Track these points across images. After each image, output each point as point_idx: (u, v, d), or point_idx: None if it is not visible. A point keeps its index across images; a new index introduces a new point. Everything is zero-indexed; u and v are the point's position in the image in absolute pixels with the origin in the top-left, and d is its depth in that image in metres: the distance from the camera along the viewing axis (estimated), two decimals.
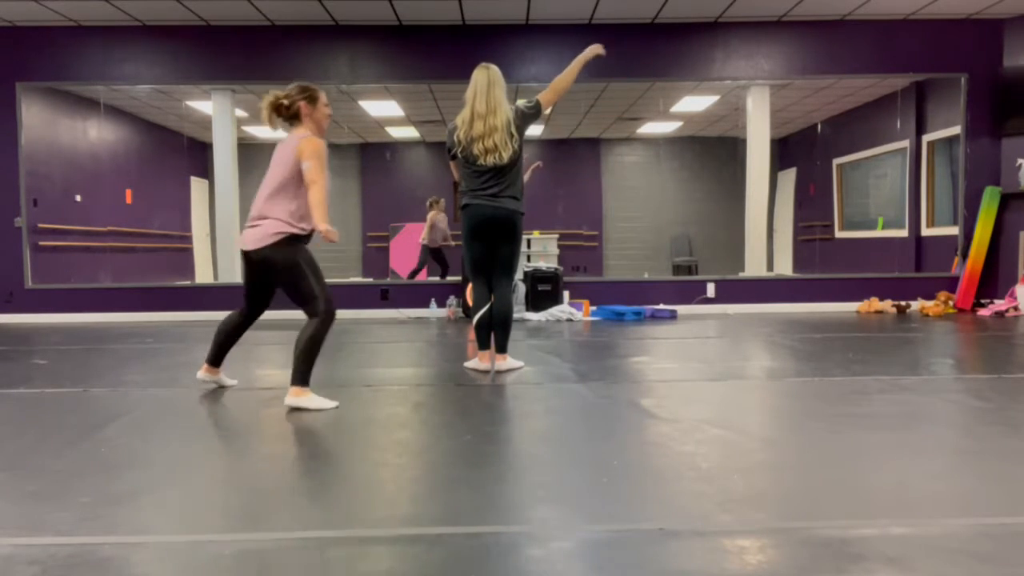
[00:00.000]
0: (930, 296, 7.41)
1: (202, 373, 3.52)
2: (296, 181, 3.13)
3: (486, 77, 3.75)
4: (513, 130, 3.74)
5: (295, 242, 3.14)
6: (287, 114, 3.23)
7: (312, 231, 3.20)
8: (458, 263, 7.61)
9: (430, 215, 9.02)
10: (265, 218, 3.13)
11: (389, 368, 4.28)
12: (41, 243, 7.45)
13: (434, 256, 8.93)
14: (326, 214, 3.09)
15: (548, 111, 3.89)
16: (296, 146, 3.12)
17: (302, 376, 3.12)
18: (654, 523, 1.76)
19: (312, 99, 3.27)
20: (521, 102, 3.85)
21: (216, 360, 3.52)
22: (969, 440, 2.53)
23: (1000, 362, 4.13)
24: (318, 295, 3.14)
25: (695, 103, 9.04)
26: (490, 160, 3.72)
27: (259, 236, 3.12)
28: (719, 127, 10.15)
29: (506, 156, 3.72)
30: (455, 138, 3.80)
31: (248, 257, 3.19)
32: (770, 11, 7.11)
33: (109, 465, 2.31)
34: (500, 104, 3.73)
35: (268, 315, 8.32)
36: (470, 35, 7.35)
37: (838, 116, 9.35)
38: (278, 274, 3.17)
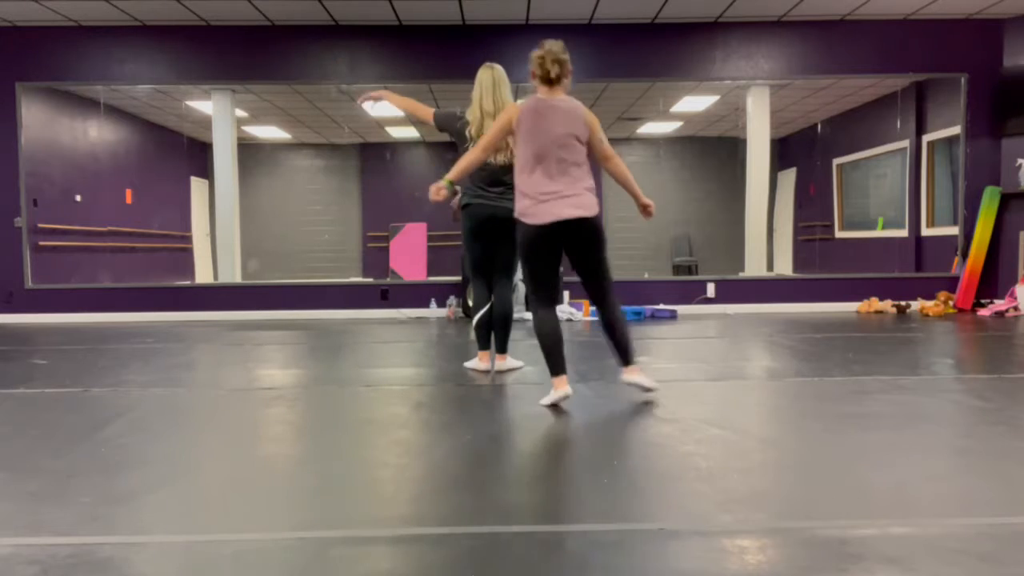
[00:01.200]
0: (930, 296, 7.41)
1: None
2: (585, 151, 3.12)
3: (491, 77, 3.78)
4: None
5: None
6: (557, 73, 3.05)
7: None
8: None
9: None
10: (580, 184, 3.07)
11: (389, 368, 4.27)
12: (41, 243, 7.45)
13: None
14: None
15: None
16: (585, 117, 3.09)
17: (634, 352, 3.17)
18: (654, 523, 1.76)
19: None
20: None
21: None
22: (969, 440, 2.53)
23: (1000, 362, 4.13)
24: None
25: (695, 103, 9.04)
26: (501, 159, 3.74)
27: (591, 203, 3.06)
28: (719, 127, 10.14)
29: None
30: (467, 133, 3.81)
31: (570, 225, 3.02)
32: (770, 11, 7.11)
33: (109, 465, 2.31)
34: (507, 103, 3.75)
35: (269, 315, 8.25)
36: (470, 35, 7.35)
37: (838, 116, 9.34)
38: (599, 243, 3.12)
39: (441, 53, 7.36)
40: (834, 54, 7.40)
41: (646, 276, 9.51)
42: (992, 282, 7.34)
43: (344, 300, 7.41)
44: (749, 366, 4.18)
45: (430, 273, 8.91)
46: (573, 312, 6.81)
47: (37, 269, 7.40)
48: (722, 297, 7.55)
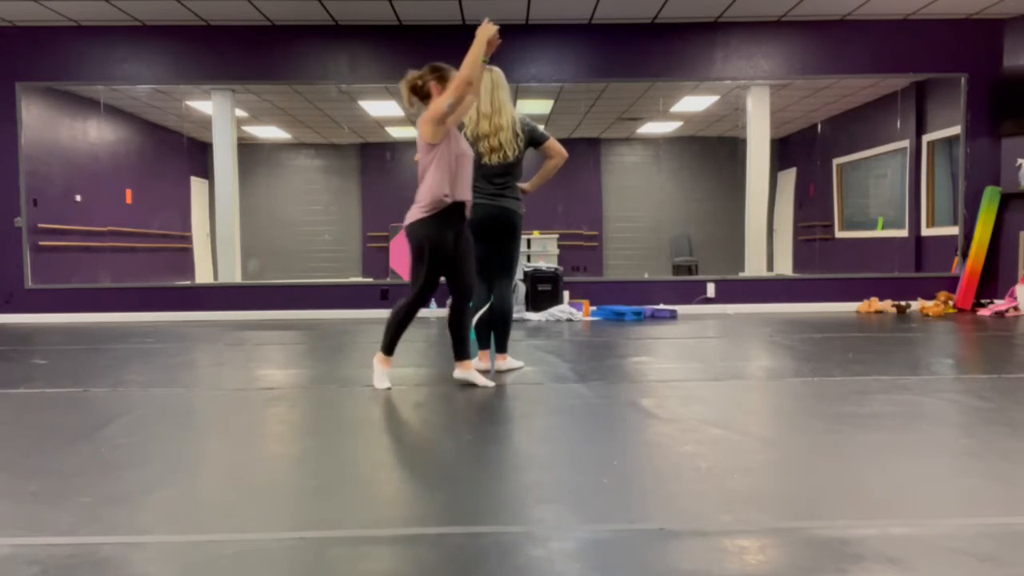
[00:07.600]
0: (930, 296, 7.40)
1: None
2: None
3: (489, 79, 3.80)
4: (519, 130, 3.78)
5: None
6: (421, 94, 3.49)
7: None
8: None
9: None
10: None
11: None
12: (41, 243, 7.45)
13: None
14: None
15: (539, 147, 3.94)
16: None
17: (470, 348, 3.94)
18: (654, 523, 1.76)
19: (443, 79, 3.47)
20: (540, 127, 3.91)
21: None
22: (969, 440, 2.53)
23: (1000, 362, 4.13)
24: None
25: (695, 103, 9.04)
26: (495, 159, 3.75)
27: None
28: (719, 127, 10.14)
29: (511, 155, 3.76)
30: (463, 134, 3.81)
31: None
32: (770, 11, 7.11)
33: (109, 465, 2.31)
34: (504, 105, 3.78)
35: (269, 315, 8.24)
36: (470, 35, 7.29)
37: (838, 116, 9.34)
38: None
39: (441, 53, 7.27)
40: (834, 54, 7.40)
41: (646, 276, 9.51)
42: (992, 282, 7.34)
43: (344, 300, 7.41)
44: (749, 366, 4.18)
45: None
46: (573, 312, 6.81)
47: (37, 269, 7.40)
48: (722, 297, 7.55)
